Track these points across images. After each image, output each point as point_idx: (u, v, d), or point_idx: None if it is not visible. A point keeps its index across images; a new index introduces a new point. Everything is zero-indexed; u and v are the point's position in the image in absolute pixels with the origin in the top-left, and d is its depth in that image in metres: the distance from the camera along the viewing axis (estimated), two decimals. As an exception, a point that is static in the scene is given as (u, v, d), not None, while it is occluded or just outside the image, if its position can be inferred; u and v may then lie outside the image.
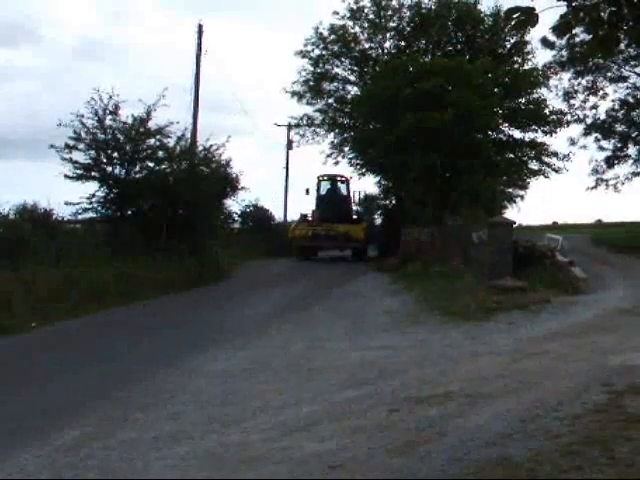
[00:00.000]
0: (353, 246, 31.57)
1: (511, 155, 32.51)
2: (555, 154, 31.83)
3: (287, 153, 47.08)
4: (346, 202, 34.03)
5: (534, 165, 32.75)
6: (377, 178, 37.44)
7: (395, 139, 26.13)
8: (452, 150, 26.44)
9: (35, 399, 8.24)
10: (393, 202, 36.29)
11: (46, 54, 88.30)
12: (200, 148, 26.02)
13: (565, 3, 4.24)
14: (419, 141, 26.63)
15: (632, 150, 32.02)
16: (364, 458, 5.53)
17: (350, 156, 35.73)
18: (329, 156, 36.71)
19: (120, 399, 8.02)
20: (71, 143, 21.90)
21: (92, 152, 22.22)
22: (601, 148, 32.01)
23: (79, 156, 22.10)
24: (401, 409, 6.85)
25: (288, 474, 5.33)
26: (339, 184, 34.79)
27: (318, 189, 34.12)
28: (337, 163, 36.45)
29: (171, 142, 23.62)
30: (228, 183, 26.67)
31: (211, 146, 25.28)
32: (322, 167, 38.74)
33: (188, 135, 25.88)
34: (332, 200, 33.30)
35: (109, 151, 22.44)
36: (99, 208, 22.75)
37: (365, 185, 67.25)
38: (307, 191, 34.32)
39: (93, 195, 22.41)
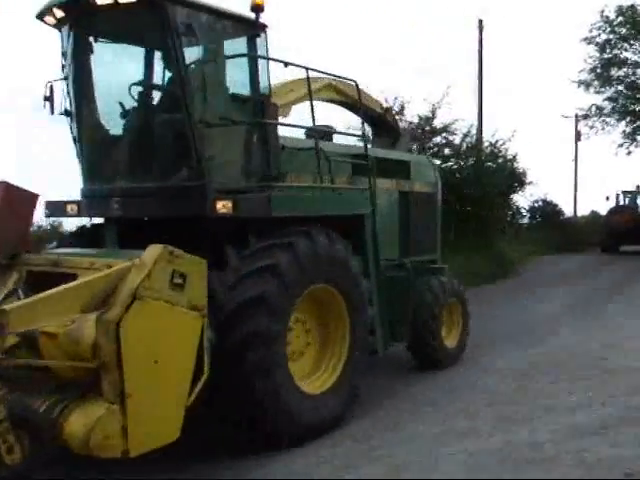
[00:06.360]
0: None
1: None
2: None
3: (575, 145, 45.05)
4: None
5: None
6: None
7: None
8: None
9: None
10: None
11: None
12: (486, 144, 25.90)
13: None
14: None
15: None
16: (665, 468, 5.20)
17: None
18: (620, 146, 34.94)
19: (410, 393, 8.23)
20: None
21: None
22: None
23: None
24: None
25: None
26: None
27: None
28: (629, 153, 34.54)
29: (457, 139, 23.77)
30: (515, 178, 26.28)
31: (497, 141, 25.12)
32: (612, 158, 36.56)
33: (474, 131, 25.79)
34: None
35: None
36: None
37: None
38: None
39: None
